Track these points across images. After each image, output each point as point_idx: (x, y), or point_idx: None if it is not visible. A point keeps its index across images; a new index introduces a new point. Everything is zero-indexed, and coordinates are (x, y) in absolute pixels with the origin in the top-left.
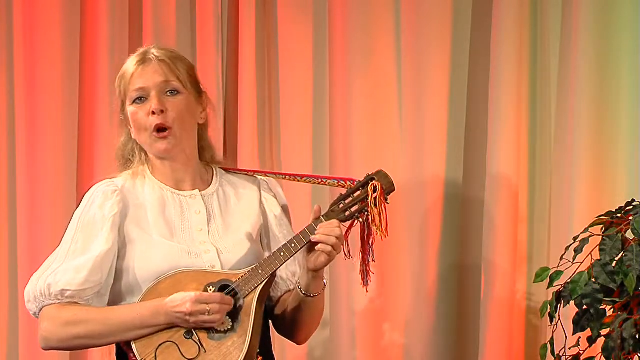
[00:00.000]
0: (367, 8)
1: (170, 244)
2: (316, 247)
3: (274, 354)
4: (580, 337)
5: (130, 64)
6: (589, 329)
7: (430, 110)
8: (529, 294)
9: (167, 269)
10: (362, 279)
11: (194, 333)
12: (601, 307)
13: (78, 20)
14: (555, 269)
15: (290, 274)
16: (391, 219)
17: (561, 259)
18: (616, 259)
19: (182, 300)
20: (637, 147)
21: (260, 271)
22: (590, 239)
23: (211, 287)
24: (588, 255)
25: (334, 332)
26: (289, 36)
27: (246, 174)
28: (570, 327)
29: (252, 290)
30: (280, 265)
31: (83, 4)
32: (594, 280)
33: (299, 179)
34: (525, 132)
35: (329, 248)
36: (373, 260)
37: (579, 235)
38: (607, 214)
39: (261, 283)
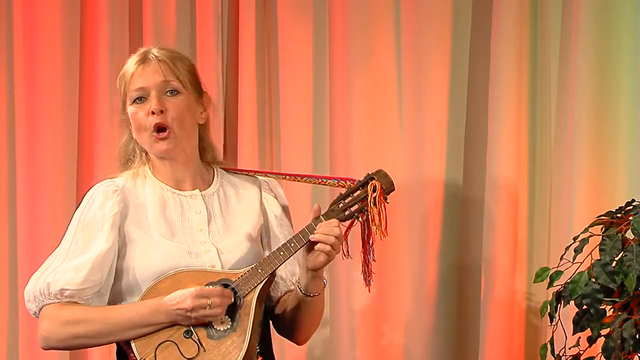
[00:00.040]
0: (367, 8)
1: (171, 243)
2: (315, 247)
3: (274, 354)
4: (580, 337)
5: (131, 63)
6: (589, 329)
7: (430, 110)
8: (529, 294)
9: (167, 268)
10: (365, 279)
11: (194, 332)
12: (601, 307)
13: (78, 20)
14: (555, 269)
15: (291, 274)
16: (391, 219)
17: (561, 259)
18: (616, 259)
19: (181, 297)
20: (637, 147)
21: (259, 270)
22: (590, 239)
23: (211, 286)
24: (588, 255)
25: (334, 332)
26: (289, 36)
27: (247, 174)
28: (570, 327)
29: (251, 290)
30: (280, 265)
31: (83, 4)
32: (594, 280)
33: (299, 179)
34: (525, 132)
35: (327, 248)
36: (373, 260)
37: (579, 235)
38: (607, 214)
39: (260, 282)
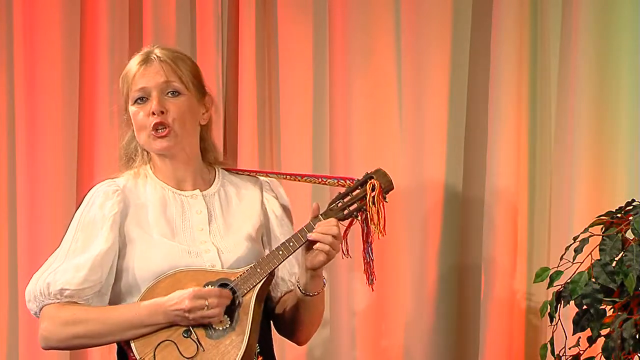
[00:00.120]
0: (367, 8)
1: (171, 243)
2: (314, 246)
3: (275, 354)
4: (580, 337)
5: (133, 63)
6: (589, 329)
7: (430, 110)
8: (529, 294)
9: (167, 268)
10: (367, 278)
11: (193, 332)
12: (601, 307)
13: (78, 20)
14: (555, 269)
15: (291, 274)
16: (391, 219)
17: (561, 259)
18: (616, 259)
19: (179, 298)
20: (637, 147)
21: (258, 270)
22: (590, 239)
23: (210, 285)
24: (588, 255)
25: (334, 332)
26: (289, 36)
27: (248, 175)
28: (570, 327)
29: (250, 289)
30: (279, 264)
31: (83, 4)
32: (594, 280)
33: (299, 178)
34: (525, 132)
35: (326, 247)
36: (372, 259)
37: (579, 235)
38: (607, 214)
39: (259, 282)
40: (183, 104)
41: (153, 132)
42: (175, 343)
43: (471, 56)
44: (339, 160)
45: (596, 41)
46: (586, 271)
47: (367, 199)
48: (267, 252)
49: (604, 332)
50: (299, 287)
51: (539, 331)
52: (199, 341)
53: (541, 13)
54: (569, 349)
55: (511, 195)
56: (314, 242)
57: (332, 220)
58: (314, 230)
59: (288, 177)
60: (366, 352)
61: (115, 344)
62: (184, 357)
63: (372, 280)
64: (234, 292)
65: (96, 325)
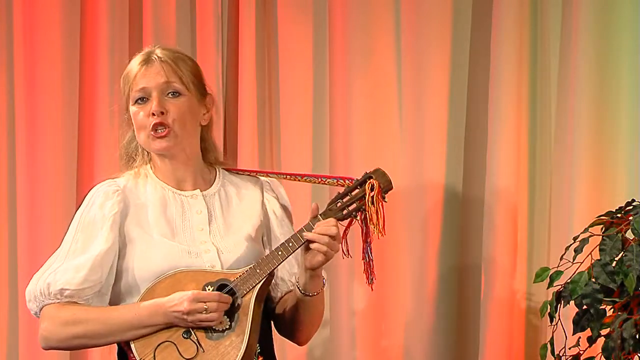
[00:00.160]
0: (367, 8)
1: (171, 243)
2: (311, 246)
3: (276, 354)
4: (580, 337)
5: (134, 63)
6: (589, 329)
7: (430, 110)
8: (529, 294)
9: (167, 268)
10: (367, 278)
11: (192, 333)
12: (601, 307)
13: (78, 20)
14: (555, 269)
15: (291, 274)
16: (391, 219)
17: (561, 259)
18: (616, 259)
19: (179, 300)
20: (637, 147)
21: (258, 270)
22: (590, 239)
23: (210, 286)
24: (588, 255)
25: (334, 332)
26: (289, 36)
27: (249, 175)
28: (570, 327)
29: (250, 290)
30: (278, 265)
31: (83, 4)
32: (594, 280)
33: (299, 178)
34: (525, 132)
35: (323, 248)
36: (371, 259)
37: (579, 235)
38: (607, 214)
39: (259, 282)
40: (183, 105)
41: (152, 133)
42: (175, 344)
43: (471, 56)
44: (339, 160)
45: (596, 41)
46: (586, 271)
47: (366, 198)
48: (267, 252)
49: (604, 332)
50: (298, 287)
51: (539, 331)
52: (198, 342)
53: (541, 13)
54: (569, 349)
55: (511, 195)
56: (313, 242)
57: (331, 221)
58: (313, 231)
59: (288, 177)
60: (366, 352)
61: (115, 344)
62: (183, 358)
63: (372, 280)
64: (233, 292)
65: (96, 326)
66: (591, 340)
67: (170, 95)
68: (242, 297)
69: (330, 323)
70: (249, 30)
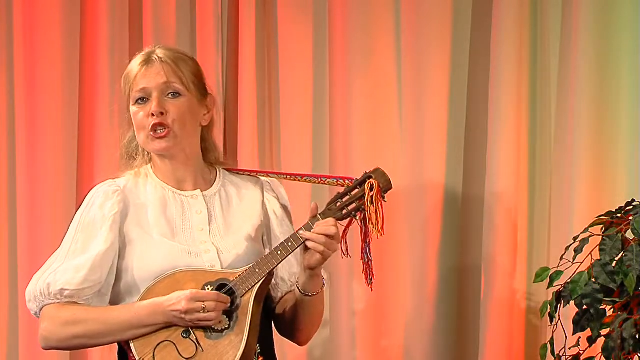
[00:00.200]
0: (367, 8)
1: (171, 243)
2: (307, 245)
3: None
4: (580, 337)
5: (135, 64)
6: (589, 329)
7: (430, 110)
8: (529, 294)
9: (167, 268)
10: (366, 278)
11: (192, 332)
12: (601, 307)
13: (78, 20)
14: (555, 269)
15: (291, 274)
16: (391, 219)
17: (561, 259)
18: (616, 259)
19: (177, 299)
20: (637, 147)
21: (257, 270)
22: (590, 239)
23: (209, 286)
24: (588, 255)
25: (334, 332)
26: (289, 36)
27: (249, 175)
28: (570, 327)
29: (249, 289)
30: (277, 264)
31: (83, 4)
32: (594, 280)
33: (299, 178)
34: (525, 132)
35: (320, 247)
36: (370, 259)
37: (579, 235)
38: (607, 214)
39: (258, 282)
40: (183, 105)
41: (152, 133)
42: (174, 343)
43: (471, 56)
44: (339, 160)
45: (596, 41)
46: (586, 271)
47: (366, 198)
48: (267, 252)
49: (604, 332)
50: (298, 287)
51: (539, 331)
52: (198, 342)
53: (541, 13)
54: (569, 349)
55: (511, 195)
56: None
57: (330, 220)
58: (312, 230)
59: (288, 177)
60: (366, 352)
61: (116, 344)
62: (183, 357)
63: (371, 280)
64: (232, 292)
65: (96, 326)
66: (591, 340)
67: (170, 95)
68: (241, 297)
69: (330, 323)
70: (249, 30)
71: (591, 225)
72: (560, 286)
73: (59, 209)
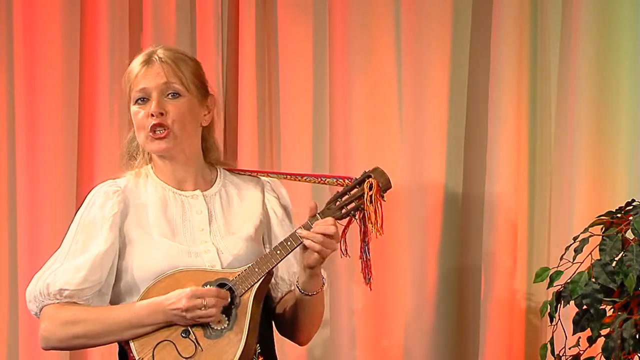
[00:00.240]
0: (367, 8)
1: (171, 243)
2: (305, 243)
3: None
4: (580, 337)
5: (136, 63)
6: (589, 329)
7: (430, 110)
8: (529, 294)
9: (167, 268)
10: (364, 278)
11: (191, 332)
12: (601, 307)
13: (78, 20)
14: (555, 269)
15: (291, 273)
16: (391, 219)
17: (561, 259)
18: (616, 259)
19: (177, 297)
20: (637, 147)
21: (256, 269)
22: (590, 239)
23: (209, 285)
24: (588, 255)
25: (334, 332)
26: (289, 36)
27: (249, 175)
28: (570, 327)
29: (248, 288)
30: (277, 264)
31: (83, 4)
32: (594, 280)
33: (299, 178)
34: (525, 132)
35: (317, 246)
36: (369, 259)
37: (579, 235)
38: (607, 214)
39: (258, 281)
40: (183, 106)
41: (151, 134)
42: (173, 343)
43: (471, 56)
44: (339, 160)
45: (596, 41)
46: (586, 271)
47: (365, 197)
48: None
49: (604, 332)
50: (298, 287)
51: (539, 331)
52: (197, 341)
53: (541, 13)
54: (569, 349)
55: (511, 195)
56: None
57: (329, 220)
58: (310, 230)
59: (288, 177)
60: (366, 352)
61: (116, 344)
62: (182, 357)
63: (370, 279)
64: (232, 291)
65: (95, 325)
66: (591, 340)
67: (170, 96)
68: (240, 296)
69: (330, 323)
70: (249, 30)
71: (591, 225)
72: (560, 286)
73: (59, 209)
